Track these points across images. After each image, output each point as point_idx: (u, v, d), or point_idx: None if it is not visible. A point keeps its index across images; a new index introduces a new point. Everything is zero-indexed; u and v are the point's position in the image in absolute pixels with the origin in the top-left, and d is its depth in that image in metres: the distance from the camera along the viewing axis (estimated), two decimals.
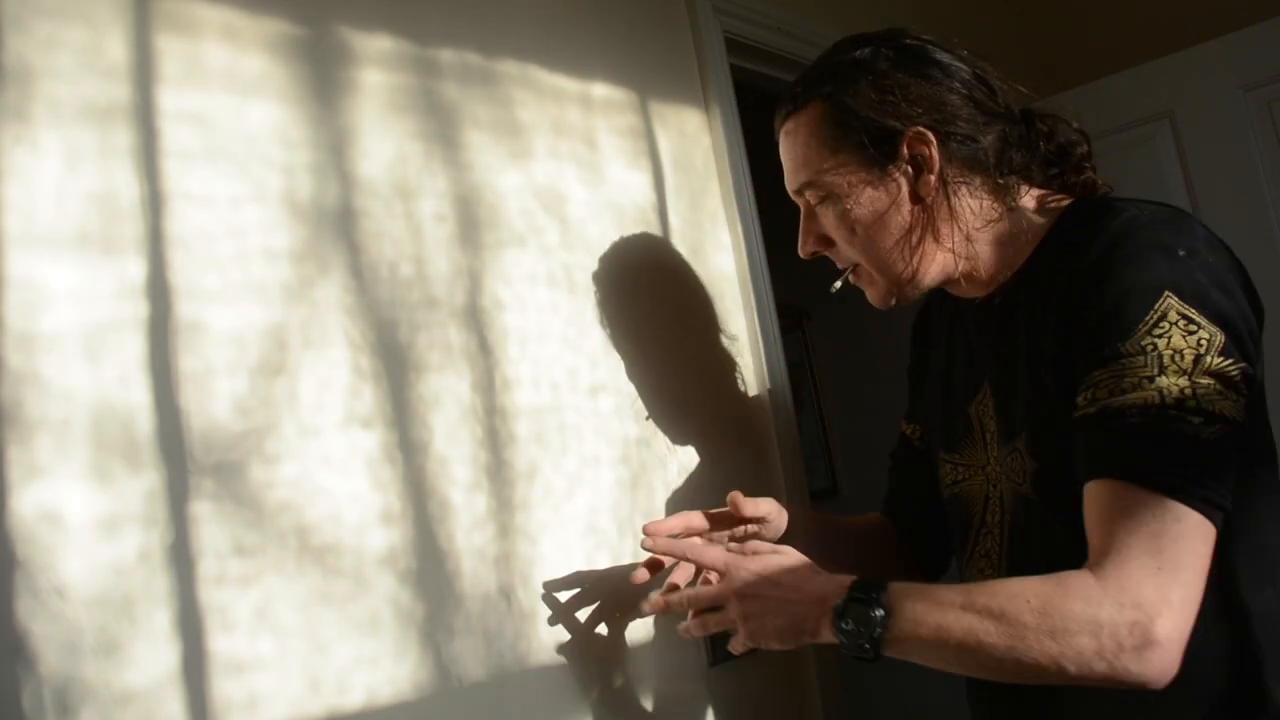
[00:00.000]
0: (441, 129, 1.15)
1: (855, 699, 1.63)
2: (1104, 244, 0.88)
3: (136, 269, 0.87)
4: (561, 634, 1.12)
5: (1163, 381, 0.81)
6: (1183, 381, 0.80)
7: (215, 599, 0.85)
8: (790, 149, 1.05)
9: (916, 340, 1.21)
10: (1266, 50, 2.11)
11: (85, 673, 0.77)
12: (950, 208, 0.98)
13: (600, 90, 1.37)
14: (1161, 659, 0.76)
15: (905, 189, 0.98)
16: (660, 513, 1.28)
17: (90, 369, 0.82)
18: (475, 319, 1.13)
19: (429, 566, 1.01)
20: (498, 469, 1.11)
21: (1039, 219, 0.99)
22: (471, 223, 1.16)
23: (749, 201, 1.58)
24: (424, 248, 1.10)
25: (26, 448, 0.78)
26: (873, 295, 1.06)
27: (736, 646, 0.95)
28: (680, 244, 1.43)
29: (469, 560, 1.05)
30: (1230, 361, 0.81)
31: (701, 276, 1.45)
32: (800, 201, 1.06)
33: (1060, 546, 0.89)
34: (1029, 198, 1.00)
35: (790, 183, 1.06)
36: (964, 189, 0.98)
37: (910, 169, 0.98)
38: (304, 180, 1.00)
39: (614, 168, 1.36)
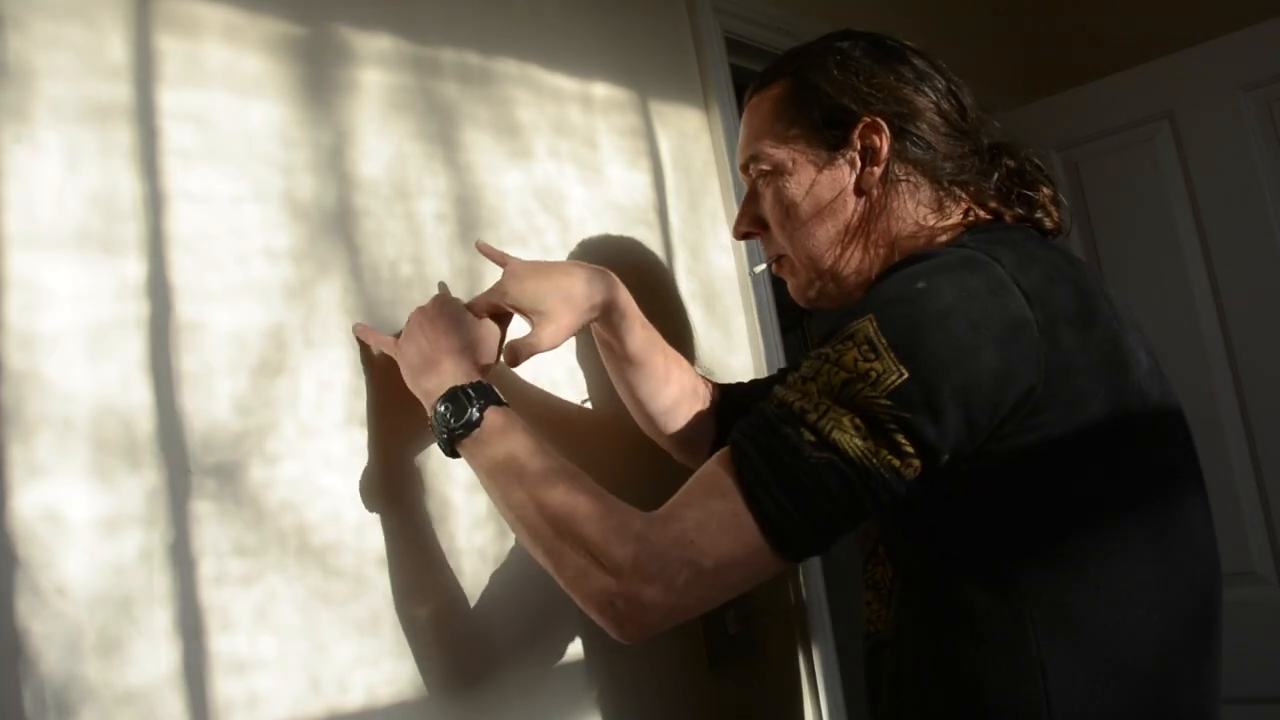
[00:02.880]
0: (441, 129, 1.15)
1: (855, 700, 1.63)
2: (894, 269, 0.86)
3: (137, 269, 0.87)
4: (561, 634, 1.12)
5: (805, 388, 0.78)
6: (818, 398, 0.77)
7: (216, 599, 0.85)
8: (748, 122, 1.03)
9: None
10: (1266, 50, 2.11)
11: (86, 672, 0.77)
12: (888, 208, 0.94)
13: (600, 90, 1.37)
14: (635, 628, 0.79)
15: (850, 179, 0.95)
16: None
17: (91, 369, 0.82)
18: None
19: (429, 566, 1.01)
20: None
21: (942, 238, 0.93)
22: (472, 223, 1.16)
23: None
24: (424, 247, 1.10)
25: (27, 447, 0.78)
26: (793, 286, 1.03)
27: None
28: (680, 244, 1.43)
29: (469, 560, 1.05)
30: (891, 404, 0.74)
31: (701, 276, 1.45)
32: (746, 179, 1.04)
33: (924, 568, 0.87)
34: (957, 214, 0.95)
35: (740, 155, 1.03)
36: (906, 191, 0.94)
37: (859, 159, 0.95)
38: (304, 180, 1.00)
39: (614, 168, 1.36)
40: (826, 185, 0.96)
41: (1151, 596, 0.82)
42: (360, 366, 1.01)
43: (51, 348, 0.80)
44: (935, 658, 0.86)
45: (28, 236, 0.81)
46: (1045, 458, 0.79)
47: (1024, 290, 0.79)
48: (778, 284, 1.61)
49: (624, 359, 1.10)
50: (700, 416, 1.15)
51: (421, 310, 0.98)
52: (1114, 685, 0.80)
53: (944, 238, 0.92)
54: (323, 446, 0.96)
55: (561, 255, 1.25)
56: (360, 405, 1.00)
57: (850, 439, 0.75)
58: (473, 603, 1.04)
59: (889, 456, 0.75)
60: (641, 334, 1.09)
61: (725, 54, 1.61)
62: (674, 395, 1.13)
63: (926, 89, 0.95)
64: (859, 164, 0.95)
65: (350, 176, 1.05)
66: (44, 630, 0.75)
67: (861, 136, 0.95)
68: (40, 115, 0.83)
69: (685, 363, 1.17)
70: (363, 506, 0.97)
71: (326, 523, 0.94)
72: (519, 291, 0.99)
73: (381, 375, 1.02)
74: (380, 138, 1.08)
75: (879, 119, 0.94)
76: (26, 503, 0.77)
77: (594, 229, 1.30)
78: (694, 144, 1.52)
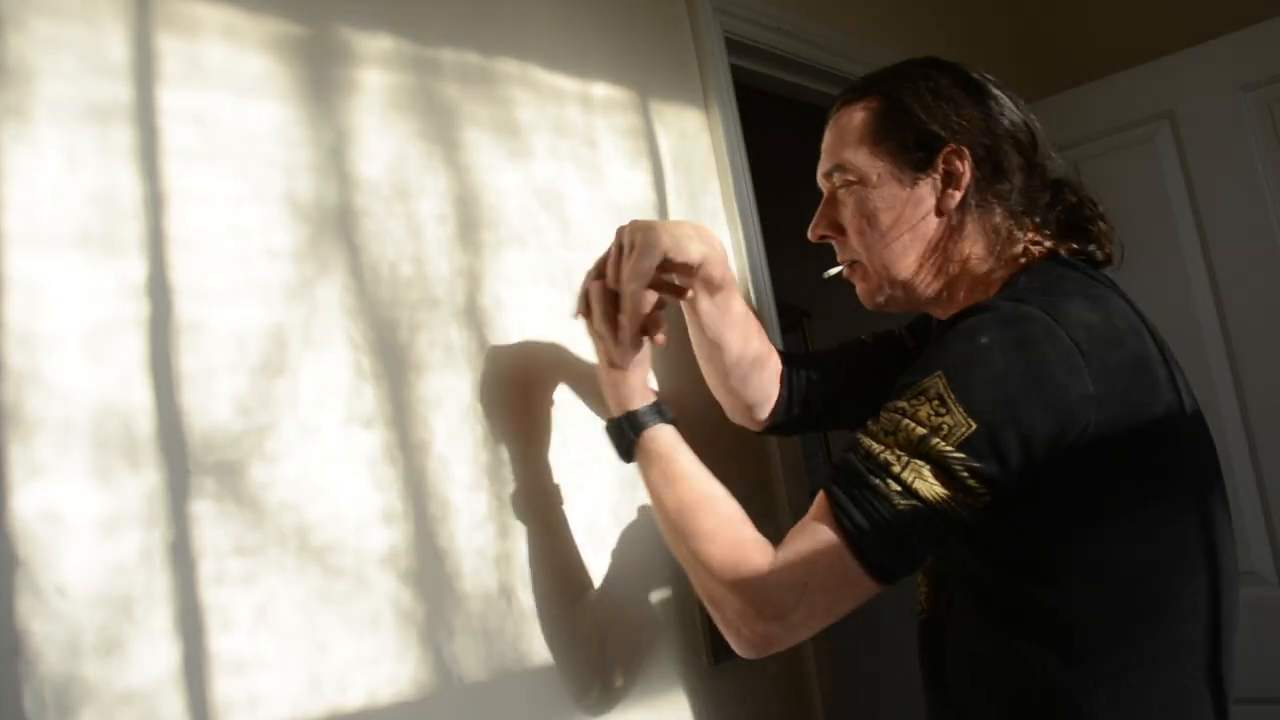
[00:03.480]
0: (442, 129, 1.15)
1: (855, 699, 1.63)
2: (958, 319, 0.94)
3: (137, 268, 0.87)
4: (562, 634, 1.12)
5: (887, 441, 0.88)
6: (900, 452, 0.87)
7: (216, 598, 0.85)
8: (835, 131, 1.07)
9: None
10: (1266, 50, 2.11)
11: (86, 672, 0.77)
12: (963, 232, 1.01)
13: (600, 90, 1.37)
14: (755, 651, 0.92)
15: (930, 200, 1.01)
16: None
17: (91, 368, 0.82)
18: (476, 319, 1.13)
19: (429, 566, 1.01)
20: (498, 468, 1.11)
21: (1001, 272, 1.01)
22: (472, 222, 1.16)
23: (749, 201, 1.58)
24: (424, 247, 1.10)
25: (27, 447, 0.77)
26: (863, 290, 1.08)
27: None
28: None
29: (469, 560, 1.05)
30: (963, 456, 0.85)
31: None
32: (826, 185, 1.08)
33: (972, 575, 0.97)
34: (1022, 243, 1.01)
35: (824, 163, 1.08)
36: (980, 219, 1.01)
37: (940, 182, 1.01)
38: (304, 180, 1.00)
39: (614, 168, 1.36)
40: (908, 203, 1.02)
41: (1195, 583, 0.92)
42: (361, 366, 1.01)
43: (51, 348, 0.80)
44: (992, 644, 0.95)
45: (28, 236, 0.81)
46: (1100, 476, 0.89)
47: (1075, 341, 0.88)
48: (777, 285, 1.62)
49: (725, 316, 1.14)
50: (768, 382, 1.22)
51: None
52: (1158, 676, 0.90)
53: (1002, 272, 1.00)
54: (323, 446, 0.96)
55: (562, 255, 1.25)
56: (361, 405, 1.00)
57: (930, 487, 0.86)
58: (473, 602, 1.04)
59: (963, 497, 0.86)
60: (739, 299, 1.16)
61: (725, 54, 1.61)
62: (752, 358, 1.19)
63: (1006, 124, 1.02)
64: (940, 187, 1.01)
65: (350, 176, 1.05)
66: (44, 630, 0.75)
67: (946, 162, 1.00)
68: (40, 115, 0.83)
69: (761, 328, 1.23)
70: (363, 506, 0.97)
71: (326, 523, 0.94)
72: (673, 236, 1.03)
73: (382, 375, 1.02)
74: (381, 138, 1.08)
75: (964, 148, 1.00)
76: (26, 503, 0.77)
77: (594, 229, 1.30)
78: (694, 144, 1.52)
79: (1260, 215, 2.12)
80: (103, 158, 0.86)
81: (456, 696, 1.01)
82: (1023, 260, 1.00)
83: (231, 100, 0.96)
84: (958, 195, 1.00)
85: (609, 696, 1.15)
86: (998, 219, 1.01)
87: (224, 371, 0.90)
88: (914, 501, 0.85)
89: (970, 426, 0.85)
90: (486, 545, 1.07)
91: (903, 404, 0.89)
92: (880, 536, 0.86)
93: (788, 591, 0.88)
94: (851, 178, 1.04)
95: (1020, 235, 1.01)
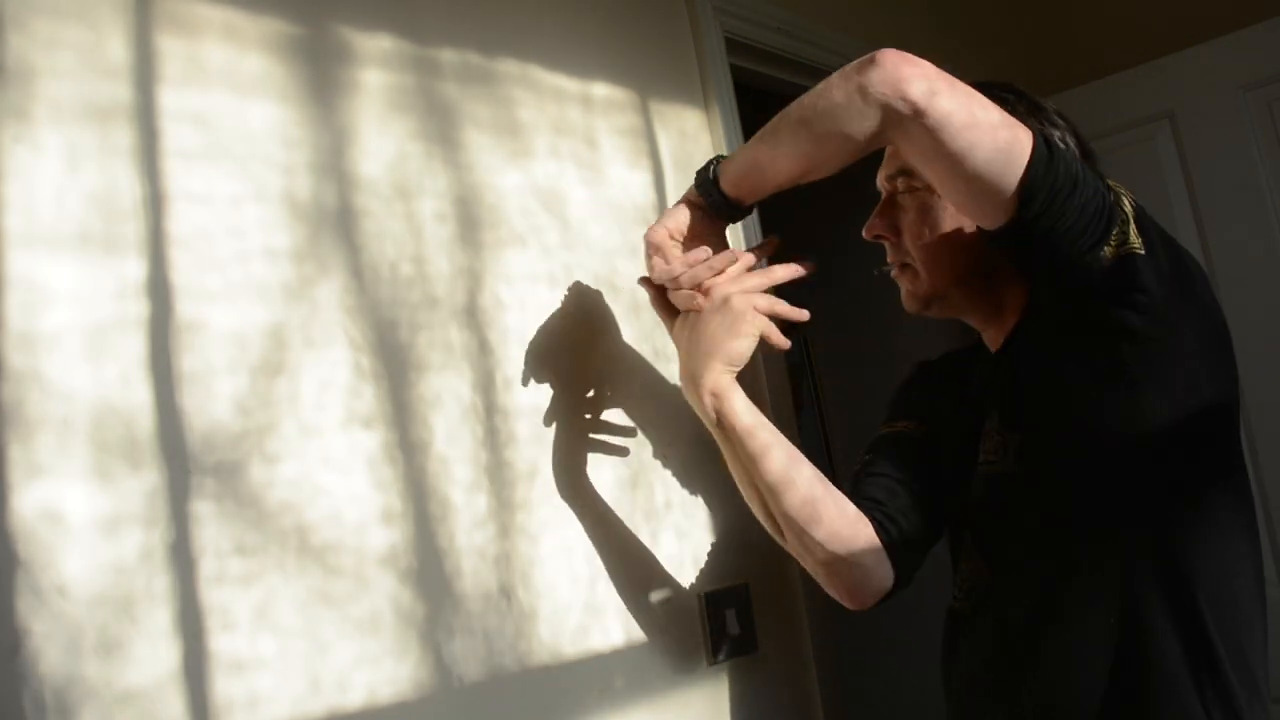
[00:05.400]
0: (441, 129, 1.15)
1: (856, 699, 1.63)
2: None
3: (137, 268, 0.87)
4: (562, 633, 1.12)
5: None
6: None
7: (216, 598, 0.85)
8: None
9: (929, 387, 1.22)
10: (1266, 50, 2.11)
11: (86, 672, 0.77)
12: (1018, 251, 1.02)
13: (600, 90, 1.37)
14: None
15: None
16: (661, 511, 1.28)
17: (91, 368, 0.82)
18: (476, 319, 1.13)
19: (429, 566, 1.01)
20: (498, 468, 1.11)
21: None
22: (472, 222, 1.16)
23: None
24: (424, 247, 1.10)
25: (27, 447, 0.78)
26: (908, 293, 1.09)
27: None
28: None
29: (469, 560, 1.05)
30: (1135, 240, 0.88)
31: None
32: (888, 186, 1.09)
33: (1031, 530, 0.97)
34: None
35: (888, 165, 1.08)
36: None
37: None
38: (304, 180, 1.00)
39: (614, 168, 1.36)
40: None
41: (1245, 554, 0.95)
42: (361, 366, 1.01)
43: (51, 348, 0.80)
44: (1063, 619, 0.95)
45: (28, 236, 0.81)
46: (1183, 416, 0.92)
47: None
48: (777, 288, 1.61)
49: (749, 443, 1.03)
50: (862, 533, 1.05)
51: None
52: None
53: None
54: (323, 446, 0.96)
55: (562, 255, 1.25)
56: (361, 405, 1.00)
57: (1123, 200, 0.89)
58: (473, 602, 1.04)
59: (1115, 231, 0.87)
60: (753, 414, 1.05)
61: (725, 54, 1.61)
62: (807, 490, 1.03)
63: (1071, 150, 1.03)
64: None
65: (350, 176, 1.05)
66: (44, 630, 0.75)
67: None
68: (40, 115, 0.83)
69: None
70: (363, 506, 0.97)
71: (326, 523, 0.94)
72: None
73: (382, 375, 1.02)
74: (380, 138, 1.08)
75: None
76: (26, 503, 0.77)
77: (594, 229, 1.30)
78: (694, 144, 1.52)
79: (1260, 215, 2.12)
80: (103, 158, 0.86)
81: (456, 696, 1.01)
82: None
83: (231, 100, 0.96)
84: None
85: (609, 696, 1.15)
86: None
87: (224, 371, 0.90)
88: (1109, 198, 0.87)
89: (1148, 253, 0.87)
90: (486, 545, 1.07)
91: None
92: (1067, 168, 0.86)
93: (955, 88, 0.88)
94: (918, 184, 1.04)
95: None
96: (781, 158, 0.98)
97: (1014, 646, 0.97)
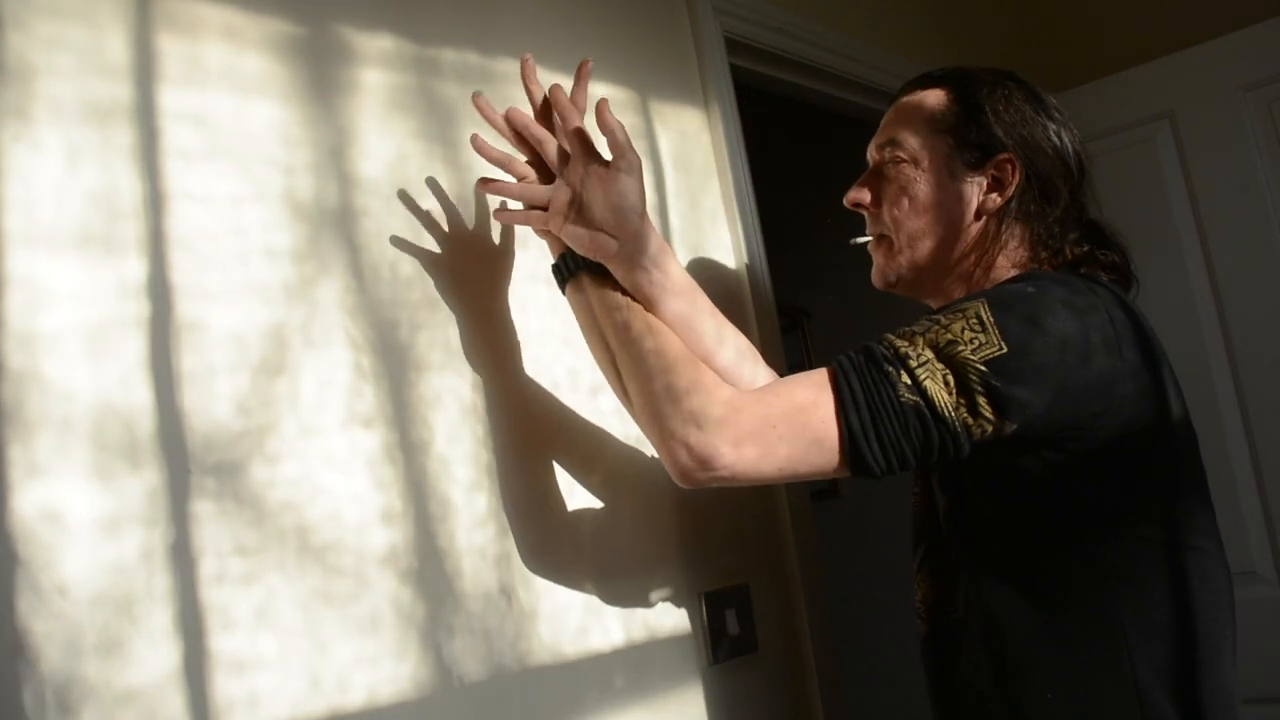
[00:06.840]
0: (441, 128, 1.15)
1: (856, 699, 1.63)
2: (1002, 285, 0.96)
3: (137, 268, 0.87)
4: (563, 633, 1.12)
5: (913, 339, 0.86)
6: (922, 348, 0.85)
7: (216, 598, 0.85)
8: (899, 110, 1.10)
9: None
10: (1266, 50, 2.11)
11: (86, 672, 0.77)
12: (996, 237, 1.03)
13: (600, 90, 1.37)
14: (692, 480, 0.86)
15: (972, 199, 1.04)
16: (660, 511, 1.28)
17: (91, 368, 0.82)
18: (476, 318, 1.13)
19: (430, 566, 1.01)
20: (498, 469, 1.11)
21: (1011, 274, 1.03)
22: (472, 223, 1.15)
23: (749, 201, 1.58)
24: (424, 247, 1.10)
25: (27, 447, 0.78)
26: (879, 266, 1.10)
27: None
28: (680, 244, 1.43)
29: (469, 560, 1.05)
30: (985, 370, 0.83)
31: (701, 276, 1.45)
32: (875, 156, 1.10)
33: (964, 583, 0.97)
34: (1046, 263, 1.04)
35: (880, 135, 1.10)
36: (1016, 230, 1.04)
37: (986, 184, 1.04)
38: (305, 179, 1.00)
39: None
40: (952, 194, 1.04)
41: (1217, 569, 0.94)
42: (361, 366, 1.01)
43: (51, 348, 0.80)
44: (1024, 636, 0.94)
45: (28, 236, 0.81)
46: (1111, 459, 0.89)
47: (1109, 315, 0.90)
48: (777, 285, 1.61)
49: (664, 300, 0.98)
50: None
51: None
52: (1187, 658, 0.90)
53: (1013, 274, 1.02)
54: (323, 446, 0.96)
55: None
56: (361, 405, 1.00)
57: (939, 391, 0.84)
58: (473, 602, 1.04)
59: (966, 414, 0.84)
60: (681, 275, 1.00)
61: (725, 54, 1.61)
62: (731, 358, 1.04)
63: (1062, 153, 1.04)
64: (985, 189, 1.04)
65: (350, 176, 1.05)
66: (44, 630, 0.75)
67: (997, 168, 1.03)
68: (40, 115, 0.83)
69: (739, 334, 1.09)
70: (363, 506, 0.97)
71: (326, 523, 0.94)
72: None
73: (382, 375, 1.02)
74: (381, 137, 1.08)
75: (1017, 160, 1.03)
76: (26, 503, 0.77)
77: None
78: (694, 144, 1.52)
79: (1260, 215, 2.12)
80: (103, 158, 0.86)
81: (456, 696, 1.01)
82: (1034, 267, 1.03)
83: (231, 100, 0.96)
84: (999, 201, 1.03)
85: (609, 696, 1.15)
86: (1028, 234, 1.03)
87: (224, 371, 0.90)
88: (918, 399, 0.83)
89: (1001, 349, 0.84)
90: (486, 545, 1.07)
91: (938, 317, 0.89)
92: (871, 415, 0.83)
93: (754, 417, 0.84)
94: (903, 155, 1.06)
95: (1043, 254, 1.03)
96: (600, 341, 1.01)
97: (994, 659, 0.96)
